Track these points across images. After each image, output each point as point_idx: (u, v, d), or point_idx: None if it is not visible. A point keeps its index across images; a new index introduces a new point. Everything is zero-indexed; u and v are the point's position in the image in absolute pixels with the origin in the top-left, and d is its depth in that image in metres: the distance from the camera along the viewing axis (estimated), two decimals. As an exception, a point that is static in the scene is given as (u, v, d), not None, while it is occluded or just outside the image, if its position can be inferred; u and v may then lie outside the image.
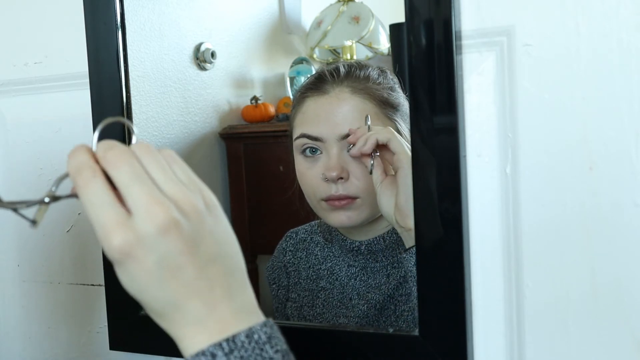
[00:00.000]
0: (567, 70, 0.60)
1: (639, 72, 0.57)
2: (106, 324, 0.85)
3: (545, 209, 0.61)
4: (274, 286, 1.01)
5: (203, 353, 0.45)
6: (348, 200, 0.86)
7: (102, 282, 0.86)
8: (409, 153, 0.69)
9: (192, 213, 0.45)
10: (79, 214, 0.89)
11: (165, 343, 0.82)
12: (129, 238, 0.43)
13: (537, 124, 0.61)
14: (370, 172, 0.81)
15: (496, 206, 0.63)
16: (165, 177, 0.46)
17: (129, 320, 0.83)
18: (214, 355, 0.44)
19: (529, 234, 0.62)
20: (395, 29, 1.10)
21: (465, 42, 0.63)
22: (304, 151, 0.90)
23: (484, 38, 0.62)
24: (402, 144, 0.77)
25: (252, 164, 1.18)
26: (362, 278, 0.90)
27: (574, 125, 0.60)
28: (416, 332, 0.66)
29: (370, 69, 0.91)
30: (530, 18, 0.60)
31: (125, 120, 0.49)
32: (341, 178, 0.86)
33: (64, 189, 0.48)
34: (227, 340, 0.45)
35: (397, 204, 0.77)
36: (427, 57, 0.62)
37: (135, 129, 0.48)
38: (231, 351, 0.44)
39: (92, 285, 0.90)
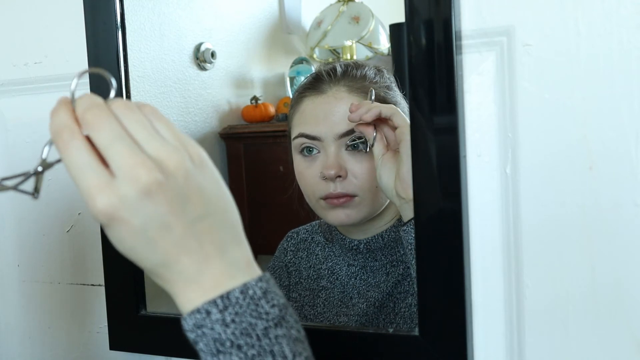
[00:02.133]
0: (567, 70, 0.60)
1: (639, 72, 0.57)
2: (106, 324, 0.85)
3: (545, 209, 0.61)
4: None
5: (198, 310, 0.44)
6: (346, 198, 0.86)
7: (102, 282, 0.86)
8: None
9: (176, 171, 0.44)
10: (79, 213, 0.89)
11: (165, 343, 0.83)
12: (113, 201, 0.42)
13: (537, 124, 0.61)
14: (372, 145, 0.80)
15: (496, 206, 0.63)
16: (147, 135, 0.45)
17: (129, 320, 0.83)
18: (208, 312, 0.44)
19: (529, 234, 0.62)
20: (395, 29, 1.10)
21: (465, 42, 0.63)
22: (302, 151, 0.91)
23: (484, 38, 0.62)
24: (405, 118, 0.76)
25: (252, 164, 1.18)
26: (362, 277, 0.91)
27: (574, 125, 0.60)
28: (416, 332, 0.66)
29: (367, 68, 0.91)
30: (530, 18, 0.60)
31: (103, 71, 0.48)
32: (339, 176, 0.86)
33: (54, 155, 0.47)
34: (221, 297, 0.45)
35: (399, 175, 0.77)
36: (427, 57, 0.62)
37: (114, 81, 0.47)
38: (225, 307, 0.44)
39: (92, 285, 0.90)
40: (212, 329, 0.44)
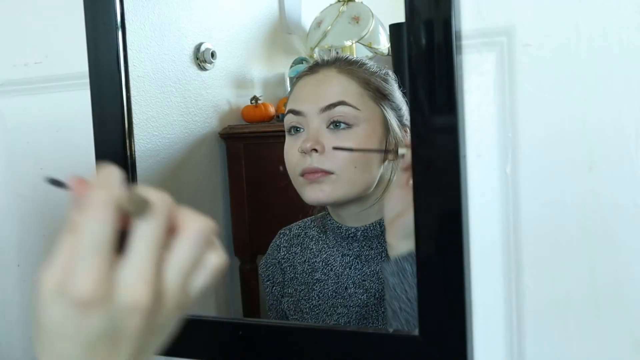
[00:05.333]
0: (567, 70, 0.60)
1: (639, 72, 0.57)
2: (106, 324, 0.85)
3: (545, 208, 0.61)
4: (267, 283, 1.01)
5: None
6: (322, 173, 0.87)
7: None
8: None
9: (167, 310, 0.42)
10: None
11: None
12: (104, 293, 0.39)
13: (537, 124, 0.61)
14: (402, 157, 0.79)
15: (496, 206, 0.63)
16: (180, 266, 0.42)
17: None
18: None
19: (529, 234, 0.62)
20: (395, 29, 1.10)
21: (465, 42, 0.63)
22: (289, 130, 0.93)
23: (484, 38, 0.62)
24: None
25: (252, 164, 1.18)
26: (357, 266, 0.91)
27: (574, 125, 0.60)
28: (416, 332, 0.66)
29: (367, 61, 0.94)
30: (530, 18, 0.60)
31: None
32: (315, 150, 0.88)
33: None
34: None
35: (402, 217, 0.77)
36: (427, 57, 0.62)
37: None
38: None
39: (92, 285, 0.90)
40: None
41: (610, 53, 0.58)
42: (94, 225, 0.39)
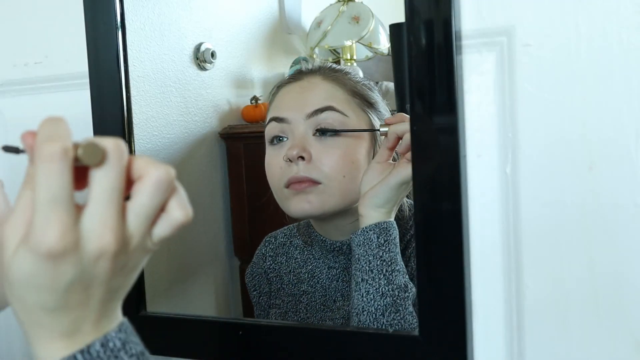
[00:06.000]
0: (567, 70, 0.60)
1: (639, 72, 0.57)
2: (106, 324, 0.85)
3: (545, 208, 0.61)
4: (254, 293, 0.99)
5: None
6: (309, 183, 0.84)
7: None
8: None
9: (134, 249, 0.43)
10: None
11: (165, 343, 0.83)
12: (70, 244, 0.40)
13: (537, 124, 0.61)
14: (382, 136, 0.83)
15: (496, 206, 0.63)
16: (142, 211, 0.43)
17: (129, 320, 0.83)
18: None
19: (529, 234, 0.62)
20: (395, 29, 1.10)
21: (465, 42, 0.63)
22: (272, 141, 0.89)
23: (484, 38, 0.62)
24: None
25: (252, 163, 1.18)
26: (345, 279, 0.89)
27: (574, 125, 0.60)
28: (416, 332, 0.66)
29: (351, 70, 0.93)
30: (530, 18, 0.60)
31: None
32: (302, 157, 0.84)
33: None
34: (81, 351, 0.43)
35: (373, 188, 0.79)
36: (427, 57, 0.62)
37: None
38: None
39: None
40: None
41: (610, 53, 0.58)
42: (49, 178, 0.39)
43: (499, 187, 0.63)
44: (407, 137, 0.77)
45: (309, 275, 0.93)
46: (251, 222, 1.19)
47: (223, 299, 1.20)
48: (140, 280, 0.83)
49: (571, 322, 0.62)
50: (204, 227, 1.17)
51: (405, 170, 0.77)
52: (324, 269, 0.92)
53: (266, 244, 1.01)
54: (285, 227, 1.00)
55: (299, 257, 0.95)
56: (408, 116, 0.83)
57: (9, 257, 0.41)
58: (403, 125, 0.79)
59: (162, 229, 0.44)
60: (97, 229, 0.41)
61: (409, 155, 0.76)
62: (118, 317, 0.47)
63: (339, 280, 0.90)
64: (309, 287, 0.92)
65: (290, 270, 0.95)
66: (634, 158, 0.58)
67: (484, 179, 0.64)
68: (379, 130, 0.85)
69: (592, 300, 0.61)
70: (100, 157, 0.41)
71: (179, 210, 0.44)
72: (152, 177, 0.42)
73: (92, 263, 0.41)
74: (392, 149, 0.81)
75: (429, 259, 0.64)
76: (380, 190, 0.78)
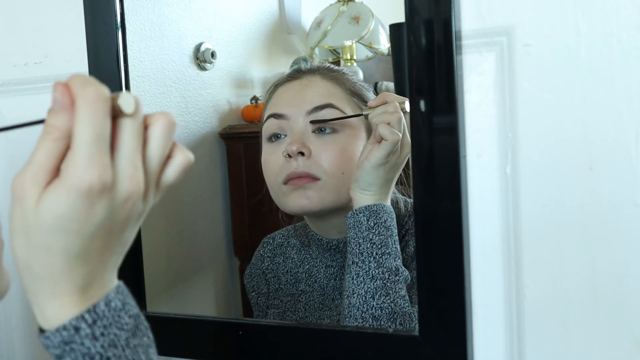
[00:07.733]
0: (567, 70, 0.60)
1: (639, 72, 0.57)
2: (106, 324, 0.85)
3: (545, 208, 0.61)
4: (253, 294, 1.00)
5: (64, 327, 0.43)
6: (308, 178, 0.85)
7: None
8: (396, 139, 0.77)
9: (144, 198, 0.45)
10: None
11: (165, 343, 0.82)
12: (107, 183, 0.42)
13: (537, 124, 0.61)
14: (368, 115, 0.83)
15: (496, 206, 0.63)
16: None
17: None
18: (77, 329, 0.43)
19: (529, 234, 0.62)
20: (395, 29, 1.10)
21: (465, 42, 0.63)
22: (270, 138, 0.90)
23: (484, 38, 0.62)
24: (394, 133, 0.78)
25: (252, 163, 1.18)
26: (342, 277, 0.89)
27: (574, 125, 0.60)
28: (416, 332, 0.66)
29: (348, 71, 0.94)
30: (530, 18, 0.60)
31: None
32: (301, 153, 0.85)
33: None
34: (88, 311, 0.44)
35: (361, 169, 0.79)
36: (427, 57, 0.62)
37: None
38: (94, 322, 0.44)
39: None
40: (81, 344, 0.43)
41: (610, 53, 0.58)
42: (95, 118, 0.41)
43: (499, 187, 0.63)
44: (381, 126, 0.79)
45: (307, 275, 0.93)
46: (251, 222, 1.19)
47: (223, 299, 1.20)
48: (141, 280, 0.83)
49: (571, 322, 0.62)
50: (204, 228, 1.17)
51: (376, 151, 0.78)
52: (322, 268, 0.92)
53: (264, 245, 1.01)
54: (283, 229, 1.01)
55: (296, 257, 0.96)
56: (390, 94, 0.84)
57: (30, 205, 0.42)
58: (381, 113, 0.81)
59: (171, 173, 0.47)
60: (130, 171, 0.43)
61: (378, 136, 0.79)
62: (116, 278, 0.48)
63: (337, 278, 0.90)
64: (307, 287, 0.92)
65: (287, 271, 0.96)
66: (634, 158, 0.58)
67: (484, 179, 0.64)
68: (362, 115, 0.86)
69: (592, 300, 0.61)
70: (134, 108, 0.44)
71: (182, 154, 0.47)
72: (161, 122, 0.45)
73: (121, 204, 0.43)
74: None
75: (428, 258, 0.64)
76: (359, 175, 0.80)
